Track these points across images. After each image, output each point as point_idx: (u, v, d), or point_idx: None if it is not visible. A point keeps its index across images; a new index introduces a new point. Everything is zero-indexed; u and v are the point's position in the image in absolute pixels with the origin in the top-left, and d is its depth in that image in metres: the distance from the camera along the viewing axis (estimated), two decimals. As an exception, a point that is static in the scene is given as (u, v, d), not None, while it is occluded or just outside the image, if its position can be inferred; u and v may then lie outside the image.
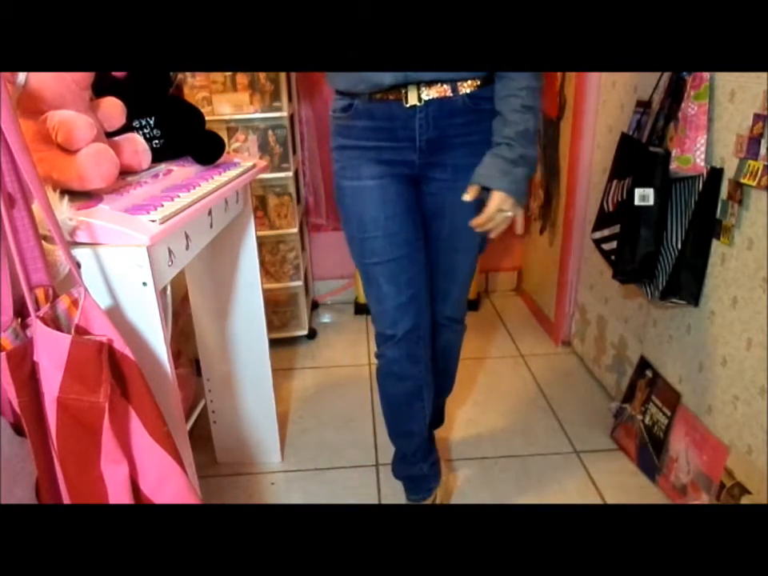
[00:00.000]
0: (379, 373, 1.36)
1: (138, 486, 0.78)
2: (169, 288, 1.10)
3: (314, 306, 2.62)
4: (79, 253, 0.84)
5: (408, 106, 1.10)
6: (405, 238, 1.19)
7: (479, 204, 1.15)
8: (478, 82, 1.11)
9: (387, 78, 1.08)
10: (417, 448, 1.41)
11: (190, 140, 1.20)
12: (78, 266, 0.83)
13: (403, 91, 1.09)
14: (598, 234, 1.60)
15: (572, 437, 1.76)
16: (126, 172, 1.05)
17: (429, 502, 1.47)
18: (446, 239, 1.25)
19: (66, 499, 0.76)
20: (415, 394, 1.34)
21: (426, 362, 1.31)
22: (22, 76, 0.88)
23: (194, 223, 1.05)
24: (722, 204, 1.28)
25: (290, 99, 2.06)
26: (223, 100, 1.94)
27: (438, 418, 1.61)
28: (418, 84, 1.09)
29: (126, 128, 1.07)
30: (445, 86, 1.10)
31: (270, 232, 2.16)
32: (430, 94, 1.09)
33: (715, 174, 1.27)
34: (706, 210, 1.30)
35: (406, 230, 1.19)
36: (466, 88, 1.10)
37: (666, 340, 1.55)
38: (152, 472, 0.78)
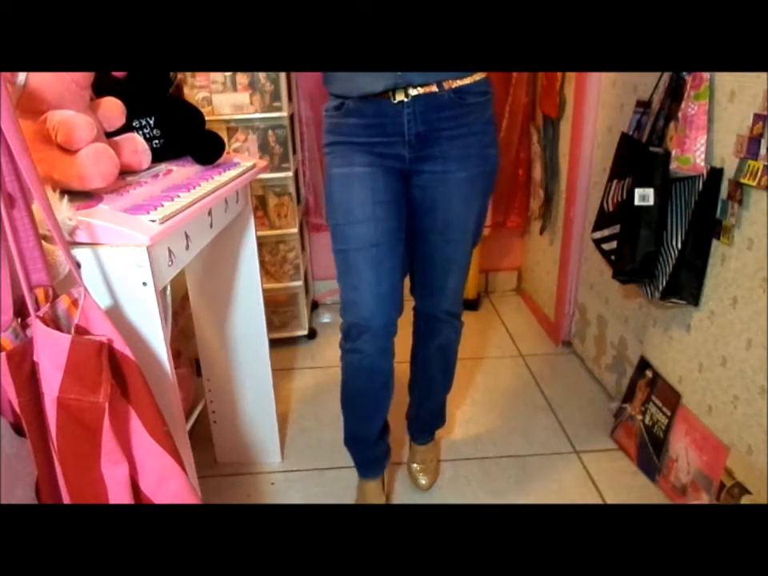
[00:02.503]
0: (348, 366, 1.34)
1: (138, 486, 0.78)
2: (169, 288, 1.10)
3: (314, 306, 2.62)
4: (79, 253, 0.84)
5: (396, 102, 1.14)
6: (389, 225, 1.20)
7: (471, 195, 1.23)
8: (463, 79, 1.16)
9: (378, 85, 1.12)
10: (380, 432, 1.43)
11: (190, 140, 1.20)
12: (78, 266, 0.83)
13: (391, 90, 1.14)
14: (597, 234, 1.60)
15: (572, 437, 1.76)
16: (125, 172, 1.05)
17: (381, 480, 1.51)
18: (441, 232, 1.27)
19: (66, 499, 0.76)
20: (384, 387, 1.35)
21: (394, 353, 1.33)
22: (21, 76, 0.88)
23: (194, 223, 1.05)
24: (722, 204, 1.28)
25: (290, 99, 2.06)
26: (223, 100, 1.94)
27: (439, 418, 1.62)
28: (406, 86, 1.13)
29: (126, 128, 1.07)
30: (431, 83, 1.14)
31: (269, 232, 2.15)
32: (417, 90, 1.14)
33: (715, 174, 1.27)
34: (706, 210, 1.30)
35: (391, 219, 1.20)
36: (451, 84, 1.15)
37: (666, 340, 1.55)
38: (152, 472, 0.78)
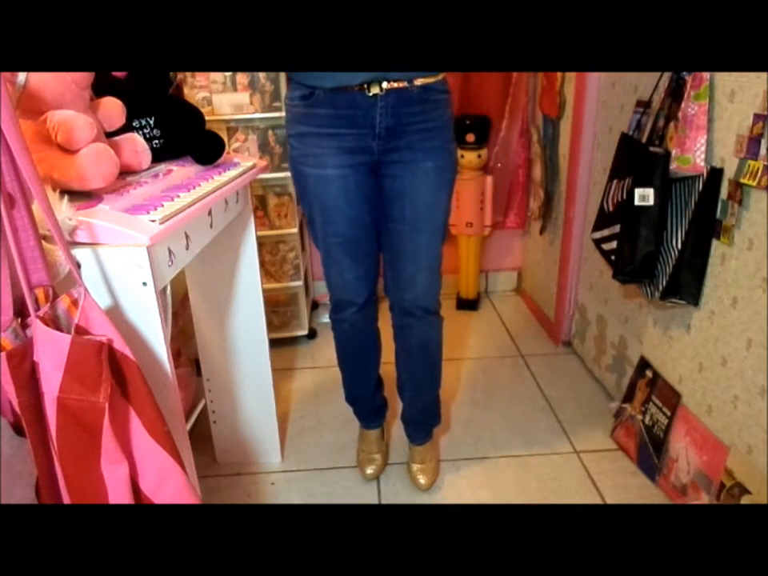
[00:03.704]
0: (341, 333, 1.51)
1: (138, 486, 0.78)
2: (169, 288, 1.10)
3: (314, 306, 2.62)
4: (79, 253, 0.84)
5: (370, 95, 1.18)
6: (362, 221, 1.32)
7: (438, 185, 1.28)
8: (428, 77, 1.21)
9: (357, 79, 1.16)
10: (375, 385, 1.60)
11: (189, 140, 1.20)
12: (78, 266, 0.83)
13: (366, 83, 1.17)
14: (597, 234, 1.60)
15: (572, 437, 1.76)
16: (126, 172, 1.05)
17: (381, 429, 1.67)
18: (410, 221, 1.31)
19: (66, 499, 0.76)
20: (373, 346, 1.55)
21: (377, 316, 1.53)
22: (22, 76, 0.88)
23: (194, 223, 1.05)
24: (722, 204, 1.28)
25: (290, 99, 2.06)
26: (223, 100, 1.94)
27: (433, 416, 1.62)
28: (381, 80, 1.18)
29: (126, 128, 1.07)
30: (403, 79, 1.19)
31: (269, 232, 2.16)
32: (390, 84, 1.18)
33: (715, 174, 1.27)
34: (706, 210, 1.30)
35: (364, 215, 1.31)
36: (420, 81, 1.20)
37: (666, 340, 1.55)
38: (152, 472, 0.78)
